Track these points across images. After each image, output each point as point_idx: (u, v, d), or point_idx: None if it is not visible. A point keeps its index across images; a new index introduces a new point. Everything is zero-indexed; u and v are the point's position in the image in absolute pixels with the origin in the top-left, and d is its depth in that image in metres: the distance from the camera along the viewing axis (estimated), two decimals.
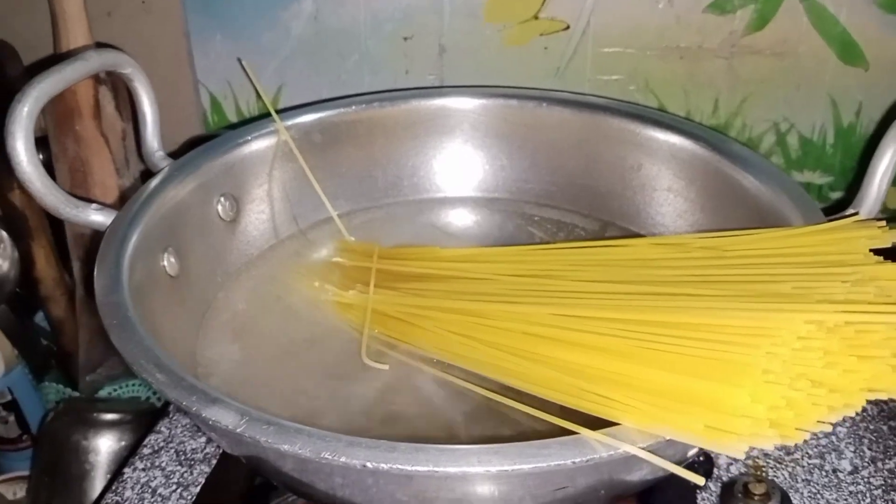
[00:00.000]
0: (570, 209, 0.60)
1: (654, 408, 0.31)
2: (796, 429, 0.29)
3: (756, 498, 0.43)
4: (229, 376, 0.45)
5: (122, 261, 0.42)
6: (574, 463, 0.29)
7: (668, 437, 0.30)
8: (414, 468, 0.28)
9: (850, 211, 0.45)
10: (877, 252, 0.39)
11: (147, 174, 0.55)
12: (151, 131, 0.53)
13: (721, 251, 0.42)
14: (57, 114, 0.66)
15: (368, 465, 0.28)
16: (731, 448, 0.29)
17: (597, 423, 0.32)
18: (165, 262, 0.47)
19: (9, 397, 0.78)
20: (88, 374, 0.66)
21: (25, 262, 0.68)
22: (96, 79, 0.63)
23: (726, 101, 0.64)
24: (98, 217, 0.46)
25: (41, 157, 0.71)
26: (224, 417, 0.31)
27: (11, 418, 0.79)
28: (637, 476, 0.34)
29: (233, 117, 0.69)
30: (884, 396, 0.31)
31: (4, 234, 0.66)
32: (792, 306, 0.32)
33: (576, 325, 0.37)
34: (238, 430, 0.30)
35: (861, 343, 0.31)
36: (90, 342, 0.65)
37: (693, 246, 0.44)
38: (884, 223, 0.41)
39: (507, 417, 0.39)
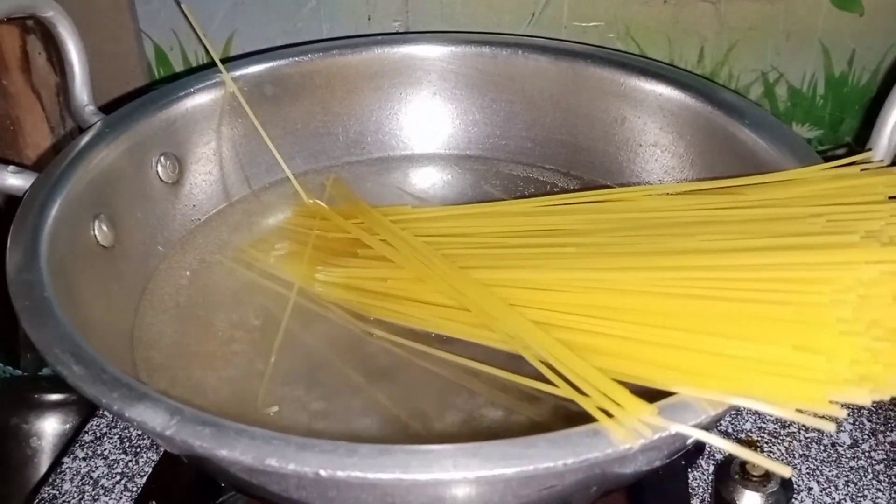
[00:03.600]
0: (548, 167, 0.55)
1: (716, 371, 0.27)
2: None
3: (754, 479, 0.40)
4: (172, 360, 0.40)
5: (41, 231, 0.36)
6: (565, 465, 0.24)
7: (737, 406, 0.26)
8: (377, 476, 0.24)
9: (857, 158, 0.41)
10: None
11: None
12: (80, 83, 0.47)
13: (728, 199, 0.37)
14: None
15: (322, 472, 0.24)
16: (820, 408, 0.24)
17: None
18: (96, 232, 0.41)
19: None
20: (31, 350, 0.61)
21: None
22: (23, 27, 0.57)
23: (712, 50, 0.60)
24: (15, 181, 0.40)
25: None
26: (151, 417, 0.26)
27: None
28: (635, 467, 0.30)
29: (180, 68, 0.64)
30: None
31: None
32: (847, 249, 0.28)
33: (597, 283, 0.33)
34: (168, 433, 0.26)
35: None
36: None
37: (696, 195, 0.39)
38: None
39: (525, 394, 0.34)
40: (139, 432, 0.46)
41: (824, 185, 0.37)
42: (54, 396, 0.55)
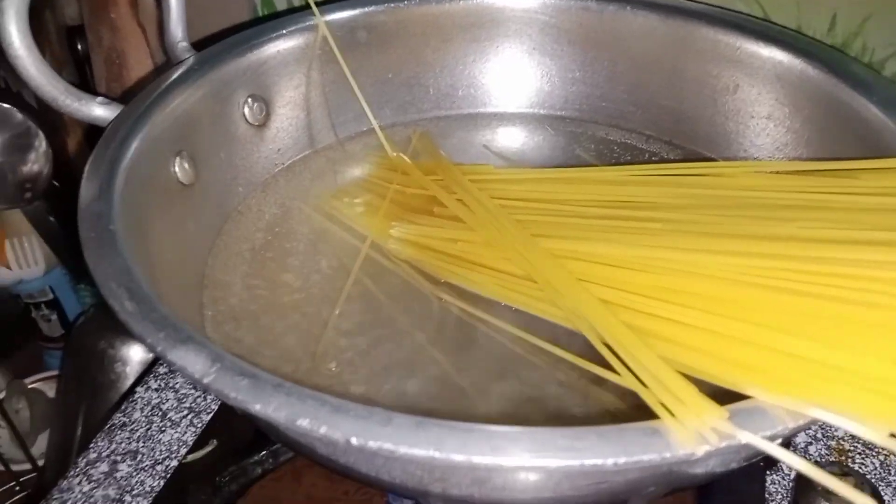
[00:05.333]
0: (649, 134, 0.52)
1: (799, 377, 0.24)
2: None
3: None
4: (240, 303, 0.40)
5: (120, 164, 0.36)
6: (616, 464, 0.22)
7: (819, 420, 0.23)
8: (408, 451, 0.22)
9: None
10: None
11: None
12: (176, 17, 0.47)
13: (839, 183, 0.33)
14: (92, 1, 0.61)
15: (353, 440, 0.23)
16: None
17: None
18: (177, 168, 0.41)
19: (50, 296, 0.77)
20: None
21: (60, 156, 0.64)
22: None
23: (846, 18, 0.54)
24: (102, 112, 0.40)
25: (80, 48, 0.67)
26: (192, 362, 0.25)
27: (54, 317, 0.78)
28: (700, 471, 0.27)
29: (283, 5, 0.63)
30: None
31: (35, 127, 0.62)
32: None
33: (677, 264, 0.30)
34: (205, 381, 0.25)
35: None
36: None
37: (804, 176, 0.35)
38: None
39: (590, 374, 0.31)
40: None
41: None
42: None
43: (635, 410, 0.25)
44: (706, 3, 0.51)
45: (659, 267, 0.30)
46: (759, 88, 0.47)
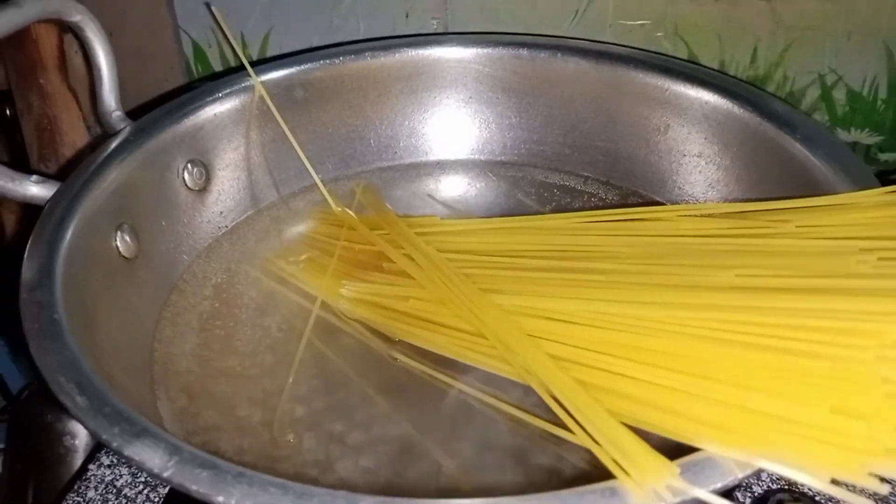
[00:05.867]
0: (586, 175, 0.53)
1: (743, 428, 0.25)
2: None
3: None
4: (192, 375, 0.40)
5: (59, 246, 0.36)
6: None
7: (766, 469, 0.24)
8: None
9: None
10: None
11: None
12: (108, 87, 0.46)
13: (771, 224, 0.35)
14: (18, 65, 0.60)
15: None
16: (858, 480, 0.22)
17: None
18: (118, 242, 0.41)
19: None
20: None
21: None
22: (61, 26, 0.57)
23: (766, 50, 0.57)
24: (38, 191, 0.40)
25: (8, 112, 0.66)
26: (149, 457, 0.25)
27: None
28: None
29: (218, 66, 0.63)
30: None
31: None
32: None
33: (623, 319, 0.31)
34: (165, 475, 0.25)
35: None
36: None
37: (737, 217, 0.37)
38: None
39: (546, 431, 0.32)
40: None
41: (878, 211, 0.34)
42: None
43: (588, 467, 0.26)
44: (634, 47, 0.53)
45: (606, 321, 0.31)
46: (688, 128, 0.49)
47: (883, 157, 0.60)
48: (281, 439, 0.36)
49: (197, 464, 0.25)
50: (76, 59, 0.59)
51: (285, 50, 0.60)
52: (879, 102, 0.58)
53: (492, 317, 0.34)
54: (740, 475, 0.24)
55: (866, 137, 0.60)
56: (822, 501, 0.41)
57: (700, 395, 0.26)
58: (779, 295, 0.28)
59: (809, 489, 0.41)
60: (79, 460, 0.56)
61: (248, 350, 0.42)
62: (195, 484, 0.24)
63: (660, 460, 0.24)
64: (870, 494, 0.22)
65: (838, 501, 0.40)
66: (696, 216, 0.39)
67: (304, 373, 0.40)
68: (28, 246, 0.35)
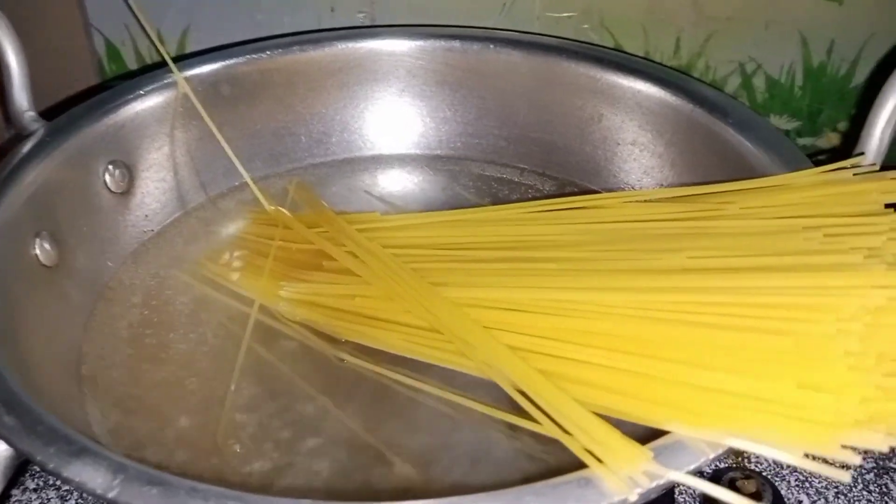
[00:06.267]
0: (522, 167, 0.53)
1: (711, 408, 0.25)
2: None
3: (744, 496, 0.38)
4: (124, 388, 0.37)
5: None
6: None
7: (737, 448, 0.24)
8: None
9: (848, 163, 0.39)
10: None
11: None
12: (19, 86, 0.43)
13: (714, 208, 0.35)
14: None
15: None
16: (832, 453, 0.22)
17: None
18: (38, 250, 0.38)
19: None
20: None
21: None
22: None
23: (689, 41, 0.58)
24: None
25: None
26: (91, 477, 0.23)
27: None
28: None
29: (133, 65, 0.60)
30: None
31: None
32: (851, 272, 0.26)
33: (578, 305, 0.30)
34: (111, 496, 0.23)
35: None
36: None
37: (679, 202, 0.37)
38: None
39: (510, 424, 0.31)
40: None
41: (816, 191, 0.35)
42: None
43: (553, 447, 0.26)
44: (563, 38, 0.53)
45: (562, 308, 0.30)
46: (621, 117, 0.49)
47: (801, 141, 0.62)
48: (226, 450, 0.34)
49: (145, 481, 0.23)
50: None
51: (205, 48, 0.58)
52: (796, 89, 0.60)
53: (445, 311, 0.33)
54: (712, 455, 0.24)
55: (785, 122, 0.62)
56: (771, 477, 0.42)
57: (665, 378, 0.26)
58: (735, 274, 0.28)
59: (757, 465, 0.42)
60: None
61: (184, 359, 0.40)
62: (145, 503, 0.23)
63: (632, 446, 0.24)
64: (841, 466, 0.22)
65: (785, 476, 0.42)
66: (637, 202, 0.39)
67: (245, 379, 0.38)
68: None
